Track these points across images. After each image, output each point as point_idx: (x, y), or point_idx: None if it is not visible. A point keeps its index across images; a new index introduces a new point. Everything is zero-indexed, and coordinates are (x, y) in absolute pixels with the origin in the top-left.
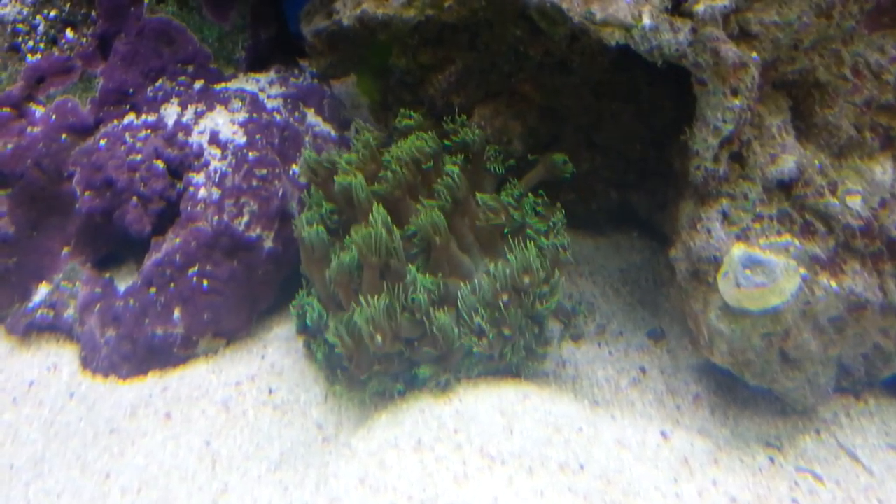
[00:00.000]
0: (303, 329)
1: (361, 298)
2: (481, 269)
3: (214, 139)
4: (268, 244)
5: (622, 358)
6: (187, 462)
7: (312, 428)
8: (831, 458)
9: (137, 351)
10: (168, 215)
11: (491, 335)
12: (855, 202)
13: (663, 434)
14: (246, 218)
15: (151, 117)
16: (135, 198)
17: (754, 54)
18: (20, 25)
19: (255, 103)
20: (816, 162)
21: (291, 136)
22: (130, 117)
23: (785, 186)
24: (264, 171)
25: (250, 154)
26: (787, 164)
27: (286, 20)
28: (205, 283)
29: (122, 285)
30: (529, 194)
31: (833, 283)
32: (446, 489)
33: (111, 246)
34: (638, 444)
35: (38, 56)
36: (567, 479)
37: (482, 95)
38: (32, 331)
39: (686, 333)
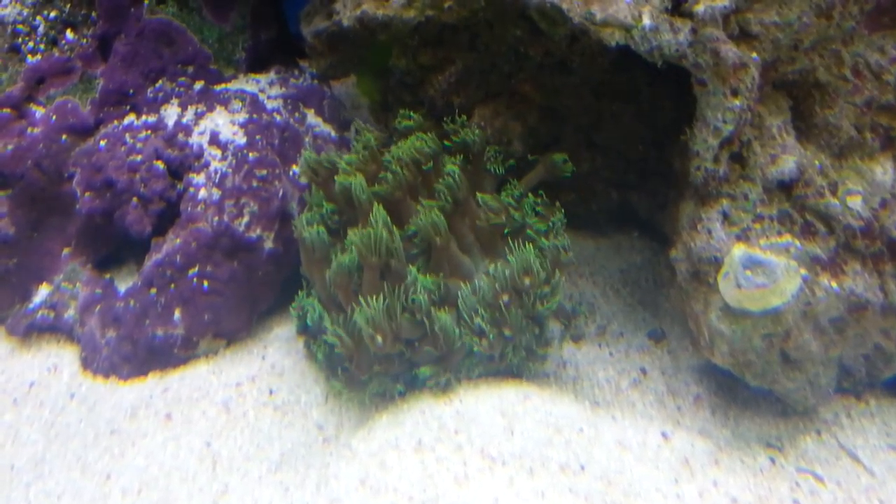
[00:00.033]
0: (303, 330)
1: (361, 299)
2: (482, 270)
3: (214, 140)
4: (268, 245)
5: (623, 359)
6: (188, 463)
7: (313, 429)
8: (832, 458)
9: (138, 352)
10: (168, 216)
11: (491, 336)
12: (855, 203)
13: (664, 435)
14: (246, 219)
15: (151, 118)
16: (135, 199)
17: (754, 55)
18: (20, 26)
19: (255, 104)
20: (817, 162)
21: (291, 137)
22: (130, 118)
23: (785, 187)
24: (264, 172)
25: (250, 155)
26: (788, 164)
27: (286, 21)
28: (205, 283)
29: (123, 286)
30: (530, 195)
31: (834, 284)
32: (447, 490)
33: (111, 247)
34: (639, 444)
35: (39, 57)
36: (568, 480)
37: (482, 96)
38: (33, 332)
39: (687, 334)
